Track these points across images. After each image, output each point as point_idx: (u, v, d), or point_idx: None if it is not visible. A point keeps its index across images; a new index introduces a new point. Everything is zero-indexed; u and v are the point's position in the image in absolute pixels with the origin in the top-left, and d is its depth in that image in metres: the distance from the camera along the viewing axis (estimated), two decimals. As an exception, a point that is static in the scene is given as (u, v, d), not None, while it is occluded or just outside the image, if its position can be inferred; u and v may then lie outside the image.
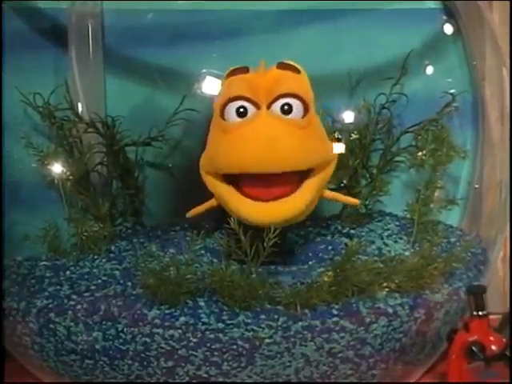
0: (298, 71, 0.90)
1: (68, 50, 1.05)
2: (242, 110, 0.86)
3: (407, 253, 0.95)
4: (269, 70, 0.90)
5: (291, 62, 0.90)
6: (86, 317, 0.84)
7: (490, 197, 1.11)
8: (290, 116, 0.87)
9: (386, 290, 0.87)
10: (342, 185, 1.03)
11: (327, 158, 0.90)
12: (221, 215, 0.91)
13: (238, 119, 0.87)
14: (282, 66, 0.89)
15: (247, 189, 0.87)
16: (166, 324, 0.82)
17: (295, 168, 0.86)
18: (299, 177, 0.87)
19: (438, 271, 0.90)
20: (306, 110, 0.87)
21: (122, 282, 0.88)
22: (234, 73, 0.89)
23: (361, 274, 0.85)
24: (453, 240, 1.01)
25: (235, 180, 0.88)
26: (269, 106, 0.86)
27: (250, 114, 0.86)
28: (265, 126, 0.86)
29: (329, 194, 0.95)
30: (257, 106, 0.86)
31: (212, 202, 0.93)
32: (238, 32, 1.07)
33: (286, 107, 0.87)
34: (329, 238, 1.00)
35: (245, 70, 0.89)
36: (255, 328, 0.82)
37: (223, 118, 0.87)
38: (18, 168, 1.02)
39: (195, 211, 0.95)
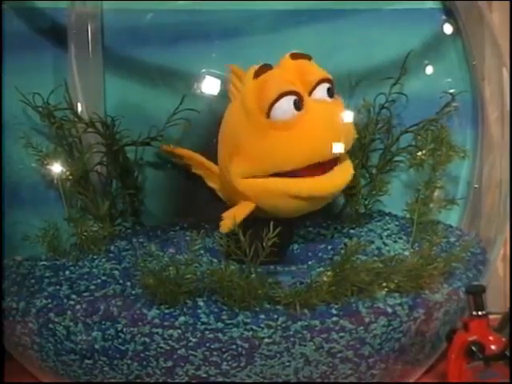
0: (310, 58, 0.90)
1: (67, 50, 1.05)
2: (296, 103, 0.86)
3: (407, 253, 0.95)
4: (284, 62, 0.90)
5: (301, 51, 0.90)
6: (86, 317, 0.84)
7: (490, 197, 1.11)
8: (333, 99, 0.89)
9: (386, 289, 0.87)
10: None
11: None
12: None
13: (293, 113, 0.85)
14: (297, 55, 0.90)
15: (302, 173, 0.87)
16: (166, 324, 0.82)
17: (350, 146, 0.90)
18: None
19: (437, 271, 0.90)
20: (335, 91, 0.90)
21: (121, 281, 0.88)
22: (261, 71, 0.88)
23: (360, 274, 0.85)
24: (452, 240, 1.01)
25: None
26: (309, 95, 0.87)
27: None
28: (325, 113, 0.87)
29: None
30: (301, 97, 0.86)
31: (248, 206, 0.89)
32: (237, 32, 1.07)
33: (329, 91, 0.89)
34: (328, 237, 1.00)
35: (269, 66, 0.89)
36: (254, 328, 0.82)
37: (269, 118, 0.86)
38: (17, 168, 1.02)
39: (233, 221, 0.86)
